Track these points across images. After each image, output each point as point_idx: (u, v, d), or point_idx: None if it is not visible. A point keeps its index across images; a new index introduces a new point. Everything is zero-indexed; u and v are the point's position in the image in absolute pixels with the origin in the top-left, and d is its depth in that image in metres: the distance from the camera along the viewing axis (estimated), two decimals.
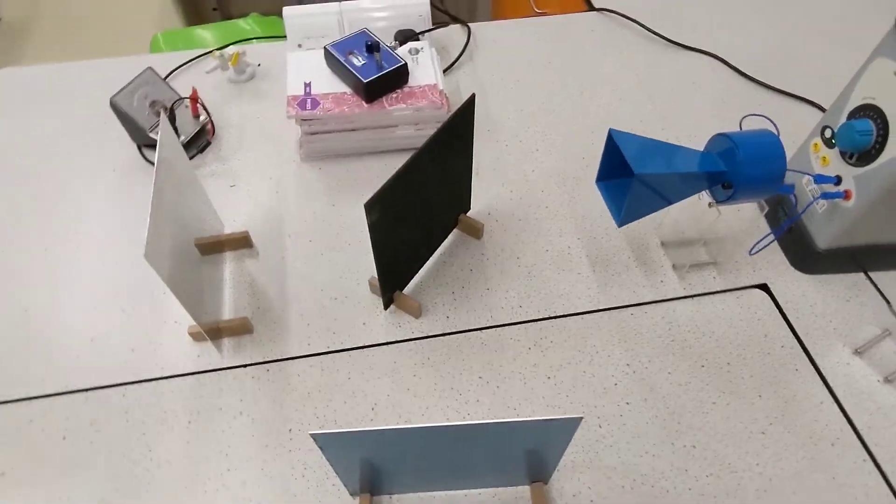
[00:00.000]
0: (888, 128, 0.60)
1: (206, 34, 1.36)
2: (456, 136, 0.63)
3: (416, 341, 0.66)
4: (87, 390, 0.63)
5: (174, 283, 0.53)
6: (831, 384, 0.63)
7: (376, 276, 0.63)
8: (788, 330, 0.67)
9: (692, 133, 0.86)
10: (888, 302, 0.69)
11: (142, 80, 0.80)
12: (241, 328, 0.66)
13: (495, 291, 0.70)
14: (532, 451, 0.48)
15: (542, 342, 0.66)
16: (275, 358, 0.65)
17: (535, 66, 0.96)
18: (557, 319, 0.68)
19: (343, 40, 0.80)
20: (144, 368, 0.64)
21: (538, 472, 0.54)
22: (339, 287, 0.70)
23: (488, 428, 0.42)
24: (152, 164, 0.80)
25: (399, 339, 0.66)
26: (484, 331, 0.67)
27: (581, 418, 0.42)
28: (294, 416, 0.61)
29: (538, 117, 0.88)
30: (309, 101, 0.77)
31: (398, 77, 0.78)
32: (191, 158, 0.80)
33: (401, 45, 0.84)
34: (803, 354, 0.65)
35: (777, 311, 0.68)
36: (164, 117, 0.59)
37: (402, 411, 0.61)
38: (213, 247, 0.72)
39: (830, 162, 0.68)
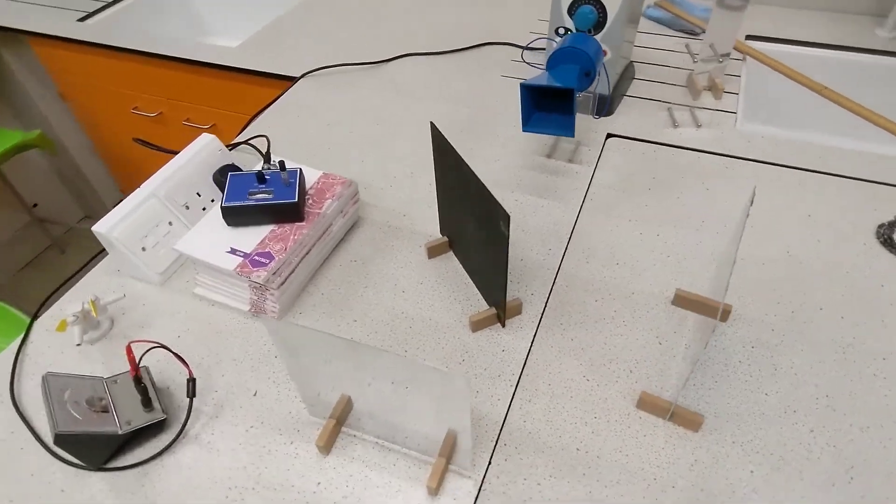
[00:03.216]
0: (600, 1, 0.91)
1: None
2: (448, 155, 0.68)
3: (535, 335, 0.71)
4: None
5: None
6: (690, 146, 0.94)
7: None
8: (646, 143, 0.95)
9: (468, 101, 1.06)
10: (655, 100, 1.04)
11: (55, 393, 0.57)
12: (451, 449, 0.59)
13: (532, 256, 0.78)
14: None
15: (588, 252, 0.79)
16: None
17: (321, 128, 1.00)
18: (575, 233, 0.81)
19: (230, 192, 0.71)
20: None
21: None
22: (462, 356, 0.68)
23: None
24: (128, 468, 0.59)
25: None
26: (558, 283, 0.75)
27: None
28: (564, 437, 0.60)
29: (374, 152, 0.95)
30: (258, 256, 0.68)
31: (304, 183, 0.75)
32: (190, 412, 0.61)
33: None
34: (665, 147, 0.94)
35: (628, 139, 0.96)
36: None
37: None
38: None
39: None
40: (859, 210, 0.82)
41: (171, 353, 0.61)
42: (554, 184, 0.89)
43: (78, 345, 0.66)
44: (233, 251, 0.69)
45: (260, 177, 0.72)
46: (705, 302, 0.70)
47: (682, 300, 0.72)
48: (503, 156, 0.94)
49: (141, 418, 0.59)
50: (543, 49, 1.13)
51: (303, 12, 1.36)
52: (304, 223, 0.72)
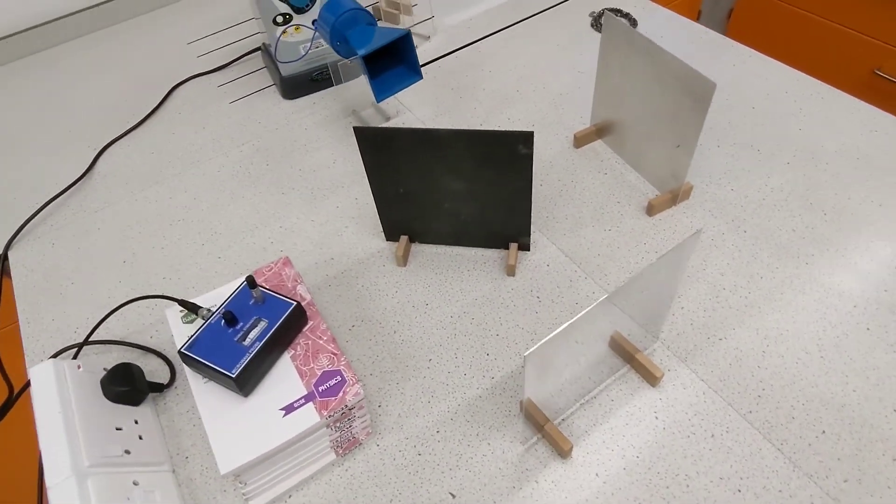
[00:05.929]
0: None
1: None
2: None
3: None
4: None
5: None
6: (442, 54, 0.99)
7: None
8: None
9: None
10: None
11: None
12: None
13: None
14: None
15: None
16: None
17: (127, 266, 0.73)
18: None
19: (220, 361, 0.48)
20: None
21: None
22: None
23: None
24: None
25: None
26: None
27: None
28: None
29: (224, 239, 0.75)
30: (319, 385, 0.50)
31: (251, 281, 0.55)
32: None
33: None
34: (430, 65, 0.98)
35: None
36: None
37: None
38: None
39: (302, 31, 0.89)
40: (576, 23, 1.02)
41: None
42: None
43: None
44: (288, 409, 0.49)
45: (229, 318, 0.51)
46: (600, 127, 0.81)
47: (581, 139, 0.81)
48: (335, 156, 0.84)
49: None
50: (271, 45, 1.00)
51: None
52: (311, 321, 0.55)
